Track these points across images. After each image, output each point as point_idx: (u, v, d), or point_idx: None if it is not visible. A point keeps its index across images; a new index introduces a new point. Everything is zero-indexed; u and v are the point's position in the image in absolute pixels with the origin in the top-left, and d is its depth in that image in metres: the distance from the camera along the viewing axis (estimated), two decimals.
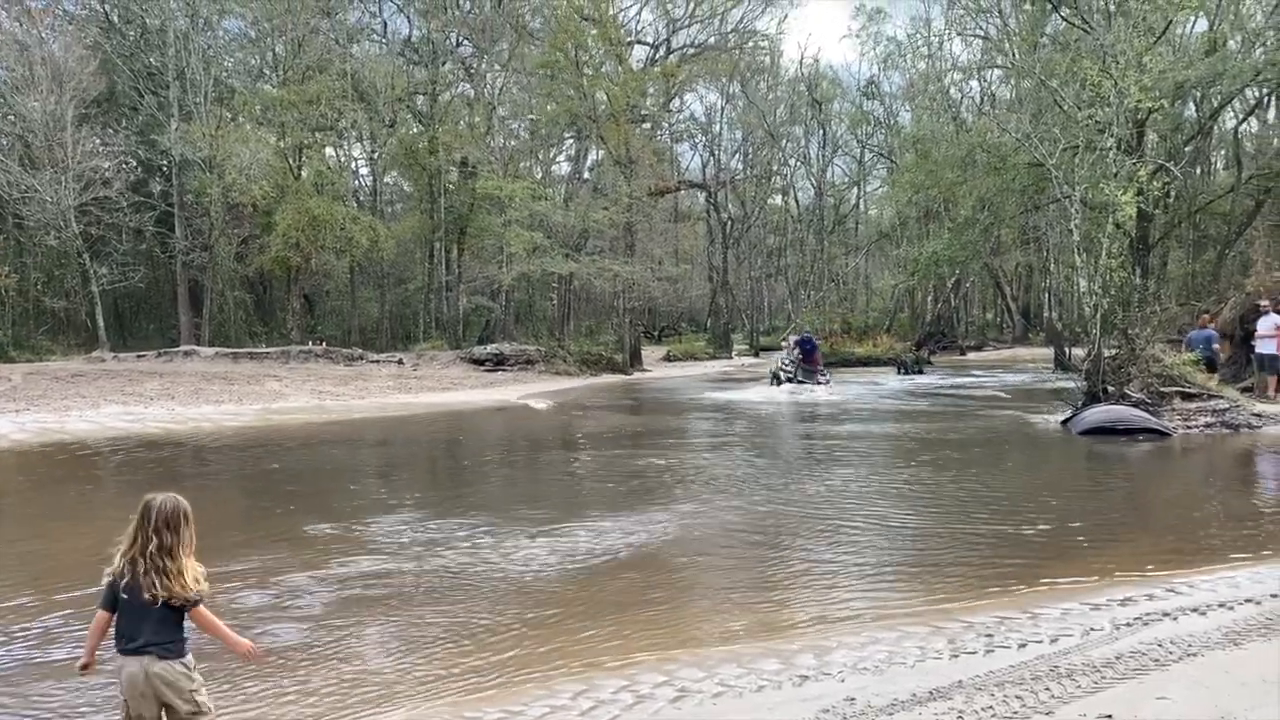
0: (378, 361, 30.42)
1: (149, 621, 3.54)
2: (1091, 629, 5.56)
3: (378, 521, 8.98)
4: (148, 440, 15.77)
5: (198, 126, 33.09)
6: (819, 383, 25.07)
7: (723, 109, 54.72)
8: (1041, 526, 8.44)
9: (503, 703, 4.74)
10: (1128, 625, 5.60)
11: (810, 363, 26.02)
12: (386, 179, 44.38)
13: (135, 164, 37.00)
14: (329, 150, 41.04)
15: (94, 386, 22.69)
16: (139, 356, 29.47)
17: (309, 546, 7.99)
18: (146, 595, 3.52)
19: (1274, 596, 6.08)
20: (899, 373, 34.55)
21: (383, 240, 34.53)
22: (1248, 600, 6.02)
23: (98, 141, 34.20)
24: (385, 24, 42.61)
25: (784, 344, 41.64)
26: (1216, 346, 18.37)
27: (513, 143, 42.35)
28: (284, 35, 36.95)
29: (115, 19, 37.74)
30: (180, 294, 35.74)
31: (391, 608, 6.34)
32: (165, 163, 35.05)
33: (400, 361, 30.74)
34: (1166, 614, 5.79)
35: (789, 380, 25.13)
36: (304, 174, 35.99)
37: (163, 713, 3.59)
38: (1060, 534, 8.16)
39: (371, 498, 10.74)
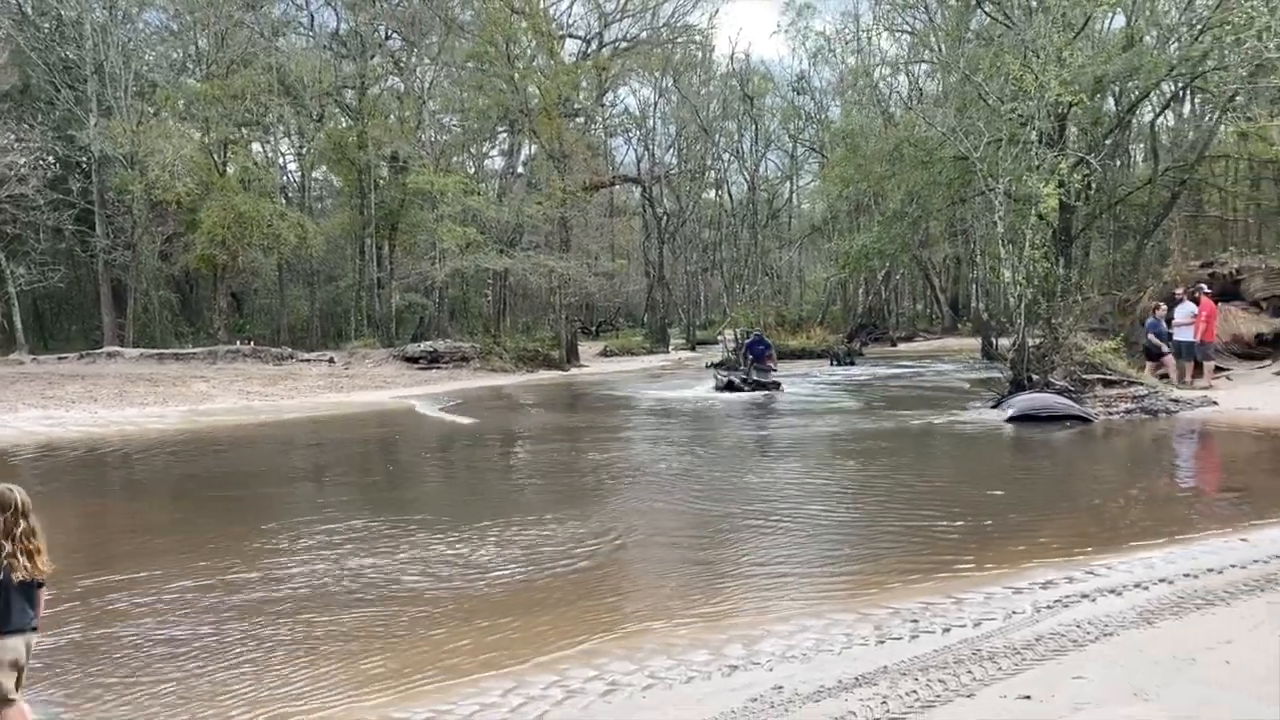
0: (308, 360, 29.79)
1: (20, 600, 4.01)
2: (1014, 612, 5.69)
3: (303, 524, 8.86)
4: (68, 445, 15.37)
5: (118, 122, 32.19)
6: (774, 384, 23.13)
7: (656, 103, 54.82)
8: (968, 514, 8.58)
9: (432, 702, 4.71)
10: (1048, 608, 5.75)
11: (762, 364, 24.78)
12: (315, 174, 43.61)
13: (53, 160, 35.87)
14: (256, 146, 40.23)
15: (11, 390, 22.01)
16: (60, 359, 28.63)
17: (231, 551, 7.85)
18: (17, 576, 3.96)
19: (1186, 576, 6.28)
20: (832, 364, 34.93)
21: (311, 237, 33.90)
22: (1162, 580, 6.21)
23: (12, 137, 33.09)
24: (312, 17, 41.80)
25: (720, 339, 41.90)
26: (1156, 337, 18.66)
27: (444, 137, 41.90)
28: (207, 28, 36.05)
29: (29, 10, 36.54)
30: (103, 294, 34.77)
31: (313, 610, 6.25)
32: (84, 159, 34.02)
33: (331, 360, 30.17)
34: (1085, 595, 5.95)
35: (745, 387, 22.89)
36: (229, 170, 35.24)
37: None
38: (986, 521, 8.31)
39: (298, 500, 10.60)
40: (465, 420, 18.61)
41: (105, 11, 34.73)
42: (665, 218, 53.19)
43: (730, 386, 22.68)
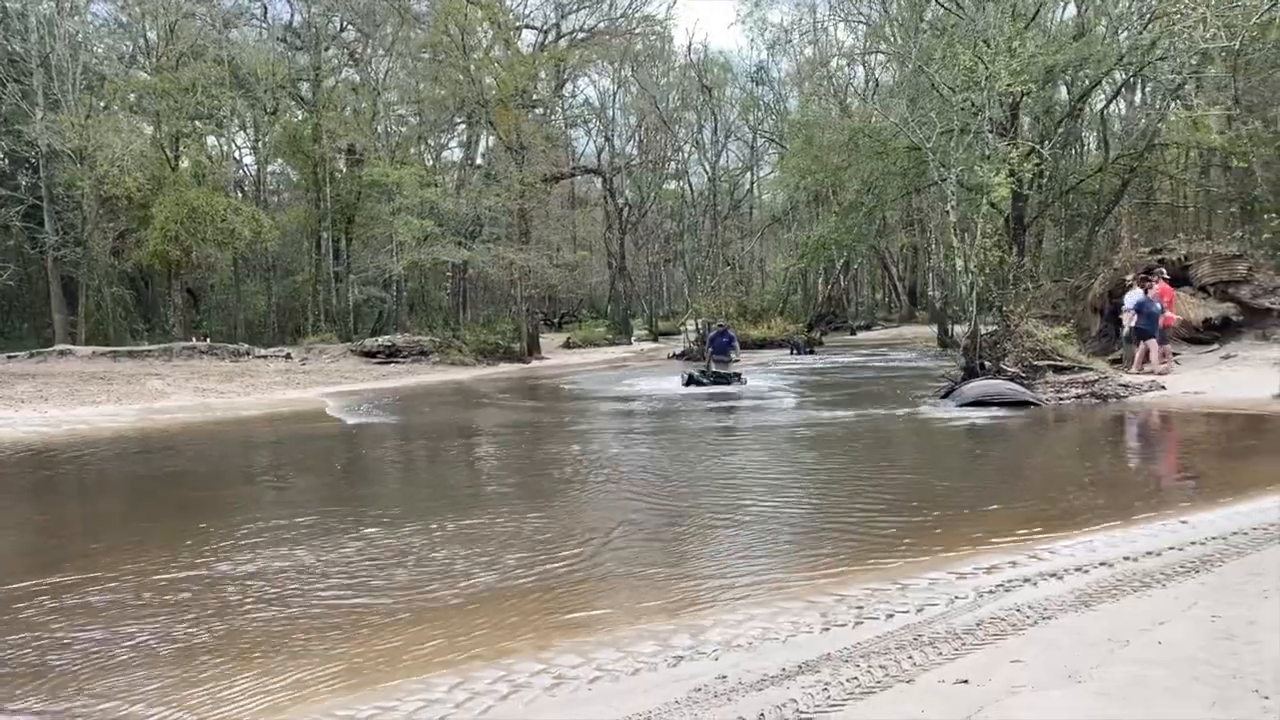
0: (265, 356, 29.64)
1: None
2: (956, 597, 5.75)
3: (255, 521, 8.78)
4: (16, 445, 15.08)
5: (65, 116, 31.59)
6: (735, 376, 22.55)
7: (615, 94, 54.78)
8: (919, 502, 8.66)
9: (376, 699, 4.69)
10: (990, 592, 5.80)
11: (724, 356, 23.65)
12: (271, 168, 43.13)
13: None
14: (210, 139, 39.74)
15: None
16: (9, 357, 28.10)
17: (182, 550, 7.75)
18: None
19: (1126, 559, 6.37)
20: (792, 353, 35.30)
21: (267, 231, 33.52)
22: (1102, 564, 6.30)
23: None
24: (265, 8, 41.25)
25: (683, 329, 41.99)
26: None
27: (401, 129, 41.63)
28: (156, 20, 35.53)
29: None
30: (53, 291, 34.15)
31: (262, 606, 6.21)
32: (32, 154, 33.43)
33: (288, 356, 30.03)
34: (1027, 579, 6.01)
35: (705, 380, 22.26)
36: (182, 165, 34.79)
37: None
38: (935, 506, 8.40)
39: (252, 500, 10.50)
40: (390, 420, 18.54)
41: (52, 3, 34.09)
42: (626, 209, 53.29)
43: (692, 381, 22.06)
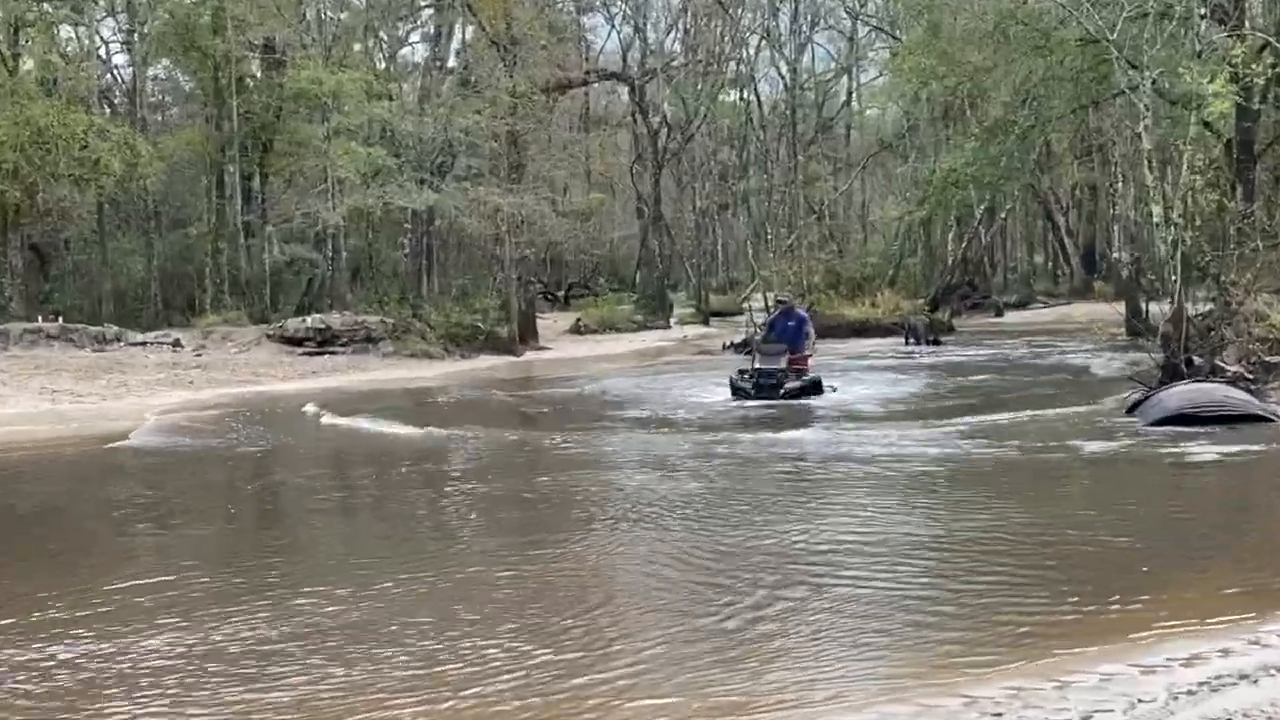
0: (144, 344, 29.87)
1: None
2: (1139, 700, 5.70)
3: (134, 586, 8.92)
4: None
5: None
6: (807, 385, 21.32)
7: None
8: (1084, 565, 8.65)
9: None
10: (1190, 693, 5.75)
11: (799, 349, 21.95)
12: (152, 71, 43.41)
13: None
14: (64, 31, 40.06)
15: None
16: None
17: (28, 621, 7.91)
18: None
19: None
20: (908, 343, 34.87)
21: (146, 162, 33.48)
22: None
23: None
24: None
25: (747, 308, 41.62)
26: None
27: (340, 15, 41.75)
28: None
29: None
30: None
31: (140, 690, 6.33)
32: None
33: (177, 343, 30.34)
34: (1245, 676, 5.97)
35: (749, 389, 21.12)
36: (24, 66, 35.09)
37: None
38: (1110, 573, 8.34)
39: (123, 550, 10.74)
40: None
41: None
42: (665, 132, 53.03)
43: (737, 392, 21.18)
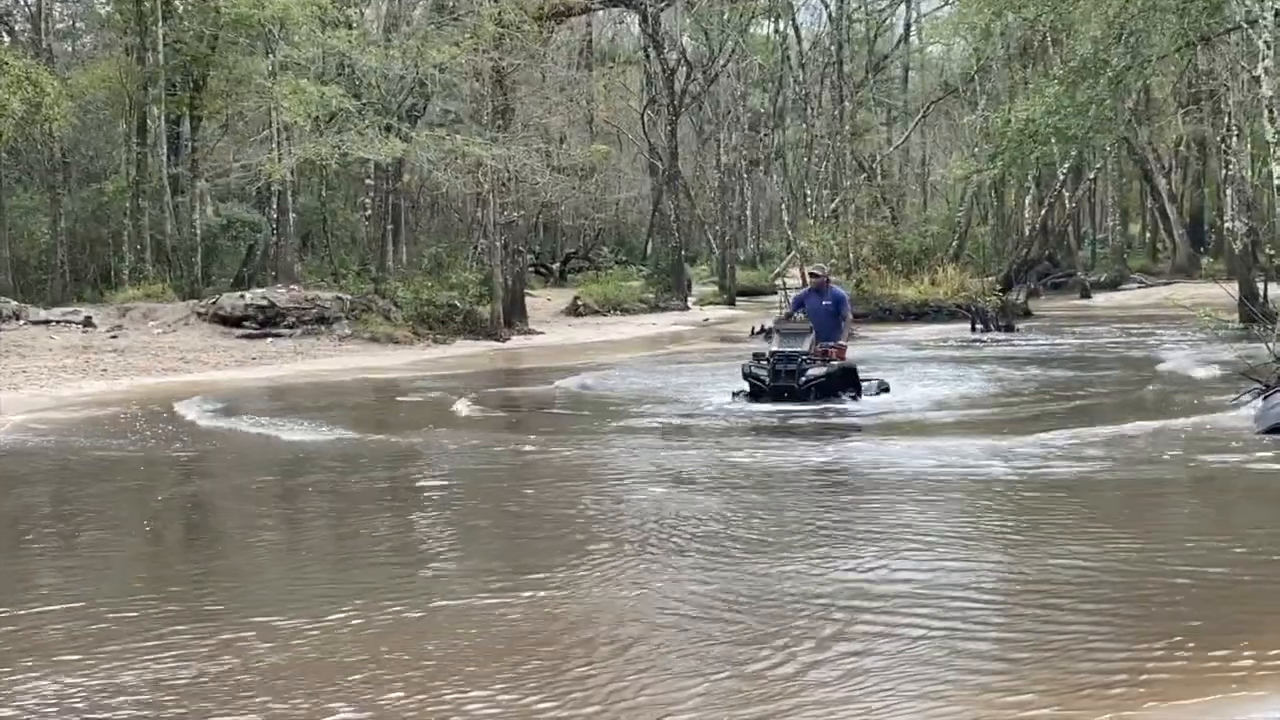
0: (48, 323, 30.50)
1: None
2: None
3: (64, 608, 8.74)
4: None
5: None
6: (845, 390, 19.90)
7: None
8: (1183, 601, 8.81)
9: None
10: None
11: (837, 330, 20.60)
12: None
13: None
14: None
15: None
16: None
17: None
18: None
19: None
20: (975, 329, 34.75)
21: (52, 102, 33.16)
22: None
23: None
24: None
25: (780, 286, 41.61)
26: None
27: None
28: None
29: None
30: None
31: None
32: None
33: (88, 322, 30.88)
34: None
35: (763, 378, 19.80)
36: None
37: None
38: (1210, 615, 8.43)
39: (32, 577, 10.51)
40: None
41: None
42: (683, 70, 52.67)
43: (752, 387, 19.74)
